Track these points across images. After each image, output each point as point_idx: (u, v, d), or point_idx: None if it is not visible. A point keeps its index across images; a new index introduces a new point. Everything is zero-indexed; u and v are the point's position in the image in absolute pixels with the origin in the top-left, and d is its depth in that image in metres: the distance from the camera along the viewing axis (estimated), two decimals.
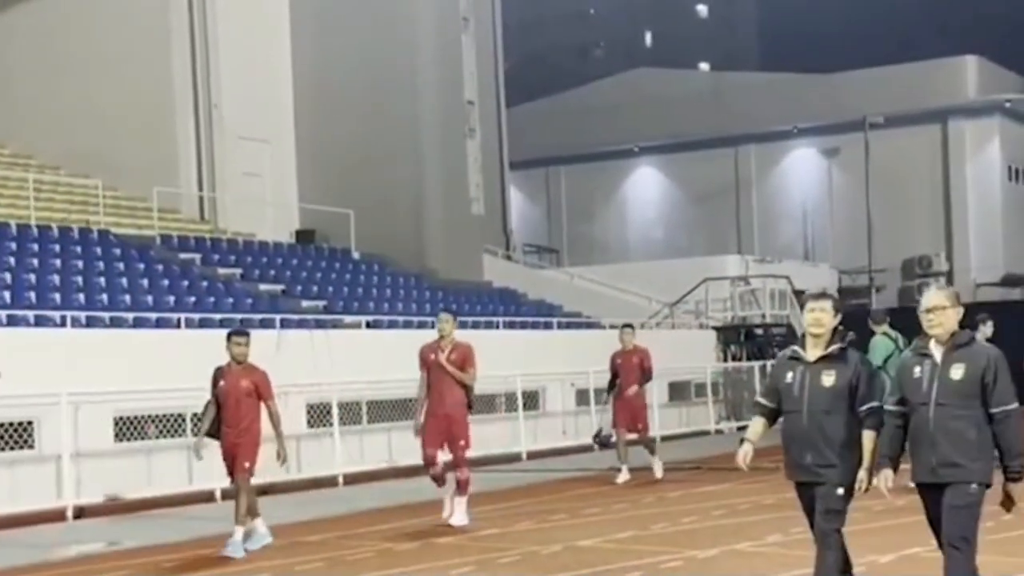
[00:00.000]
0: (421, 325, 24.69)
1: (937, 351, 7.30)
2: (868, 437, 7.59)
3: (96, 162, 28.81)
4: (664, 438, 26.20)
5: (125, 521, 15.88)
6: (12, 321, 18.21)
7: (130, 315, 20.27)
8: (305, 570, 11.54)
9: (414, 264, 32.00)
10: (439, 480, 13.94)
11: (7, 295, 19.59)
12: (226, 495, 12.79)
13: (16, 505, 16.09)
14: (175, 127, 30.75)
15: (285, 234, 31.01)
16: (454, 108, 36.16)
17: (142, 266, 23.66)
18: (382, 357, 21.41)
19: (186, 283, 23.47)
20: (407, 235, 33.50)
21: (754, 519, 13.47)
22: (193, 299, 22.38)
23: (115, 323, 19.78)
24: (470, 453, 14.17)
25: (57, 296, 20.22)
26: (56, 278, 21.17)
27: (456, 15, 36.55)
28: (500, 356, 23.97)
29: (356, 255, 30.09)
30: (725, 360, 32.14)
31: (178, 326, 19.98)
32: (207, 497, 17.83)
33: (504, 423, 23.80)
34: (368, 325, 23.63)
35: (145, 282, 22.71)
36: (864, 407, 7.62)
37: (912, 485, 7.52)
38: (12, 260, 21.44)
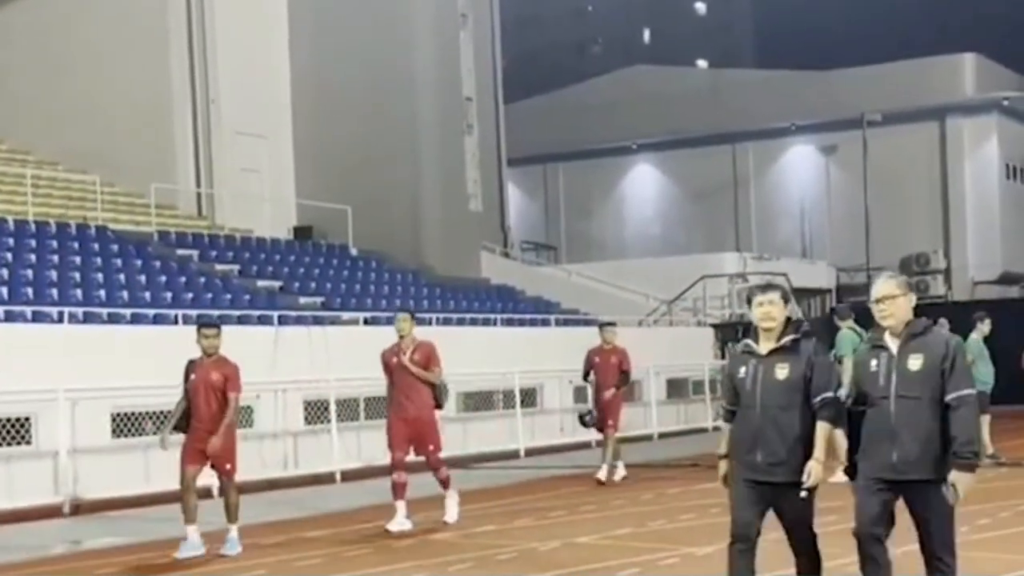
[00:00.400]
0: (418, 322, 24.66)
1: (892, 342, 7.05)
2: (822, 428, 7.24)
3: (94, 158, 28.79)
4: (662, 435, 26.22)
5: (122, 517, 15.86)
6: (9, 317, 18.18)
7: (128, 311, 20.25)
8: (303, 567, 11.53)
9: (412, 261, 32.00)
10: (399, 490, 13.35)
11: (4, 291, 19.57)
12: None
13: (13, 501, 16.07)
14: (173, 123, 30.73)
15: (283, 230, 30.99)
16: (452, 105, 36.14)
17: (140, 262, 23.64)
18: (379, 354, 21.37)
19: (184, 279, 23.45)
20: (405, 232, 33.50)
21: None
22: (191, 295, 22.37)
23: (113, 319, 19.76)
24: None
25: (55, 292, 20.21)
26: (54, 274, 21.15)
27: (454, 12, 36.53)
28: (498, 353, 24.01)
29: (354, 251, 30.08)
30: (723, 357, 32.10)
31: (176, 322, 19.97)
32: (205, 494, 17.81)
33: (502, 420, 23.81)
34: (366, 322, 23.61)
35: (143, 278, 22.70)
36: (818, 398, 7.26)
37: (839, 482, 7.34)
38: (9, 256, 21.42)
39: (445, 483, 13.74)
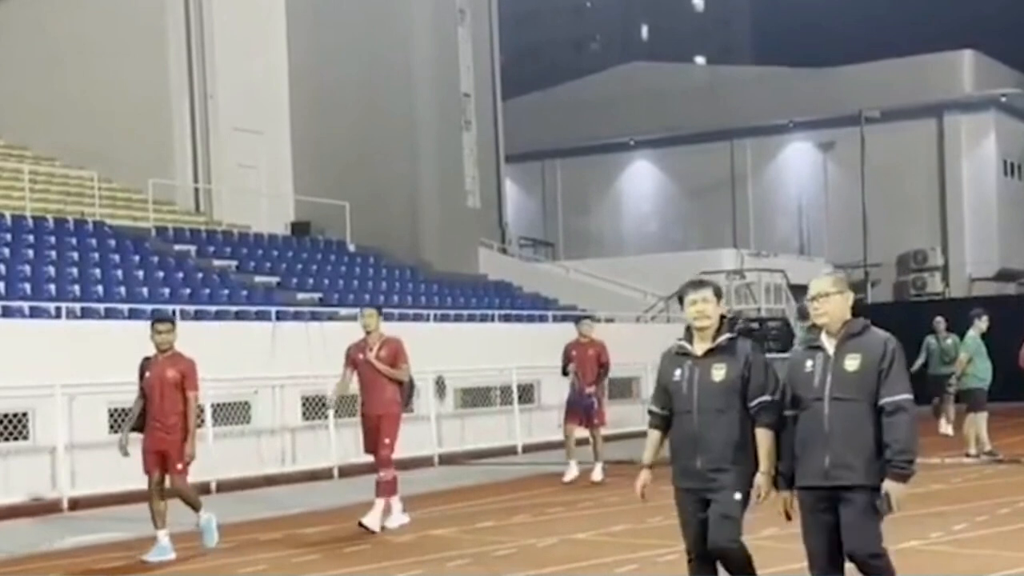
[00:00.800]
0: (416, 318, 24.70)
1: (829, 342, 6.71)
2: (764, 436, 6.86)
3: (91, 154, 28.75)
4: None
5: (119, 512, 15.85)
6: (7, 312, 18.17)
7: (125, 307, 20.24)
8: (301, 563, 11.52)
9: (409, 257, 31.98)
10: (387, 488, 13.15)
11: (2, 287, 19.54)
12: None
13: (10, 496, 16.06)
14: (170, 119, 30.69)
15: (280, 226, 30.96)
16: (450, 101, 36.13)
17: (137, 258, 23.62)
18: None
19: (181, 275, 23.43)
20: (403, 228, 33.49)
21: (749, 514, 13.44)
22: (188, 291, 22.36)
23: (110, 315, 19.74)
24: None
25: (52, 287, 20.18)
26: (51, 269, 21.14)
27: (452, 8, 36.51)
28: (495, 349, 24.00)
29: (351, 247, 30.05)
30: None
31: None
32: (202, 489, 17.80)
33: (499, 416, 23.81)
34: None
35: (140, 274, 22.68)
36: (756, 401, 6.91)
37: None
38: (7, 251, 21.40)
39: (381, 488, 12.99)
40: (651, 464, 7.26)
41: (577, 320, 18.64)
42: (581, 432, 17.84)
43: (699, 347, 7.04)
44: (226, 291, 23.10)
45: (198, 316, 20.65)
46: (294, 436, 19.98)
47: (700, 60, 73.26)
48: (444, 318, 25.45)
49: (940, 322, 23.05)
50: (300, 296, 24.61)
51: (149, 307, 20.43)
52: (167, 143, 30.48)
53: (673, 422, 7.10)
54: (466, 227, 36.02)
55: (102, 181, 27.33)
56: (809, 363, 6.70)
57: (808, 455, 6.63)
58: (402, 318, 24.38)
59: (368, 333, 13.20)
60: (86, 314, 19.31)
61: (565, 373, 18.00)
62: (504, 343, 24.45)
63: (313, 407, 20.35)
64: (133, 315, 19.97)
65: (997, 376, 18.96)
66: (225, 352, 19.01)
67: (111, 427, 17.65)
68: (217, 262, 25.34)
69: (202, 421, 18.24)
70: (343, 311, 23.84)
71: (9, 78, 31.32)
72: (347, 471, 19.52)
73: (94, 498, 16.56)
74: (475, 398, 24.21)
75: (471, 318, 26.21)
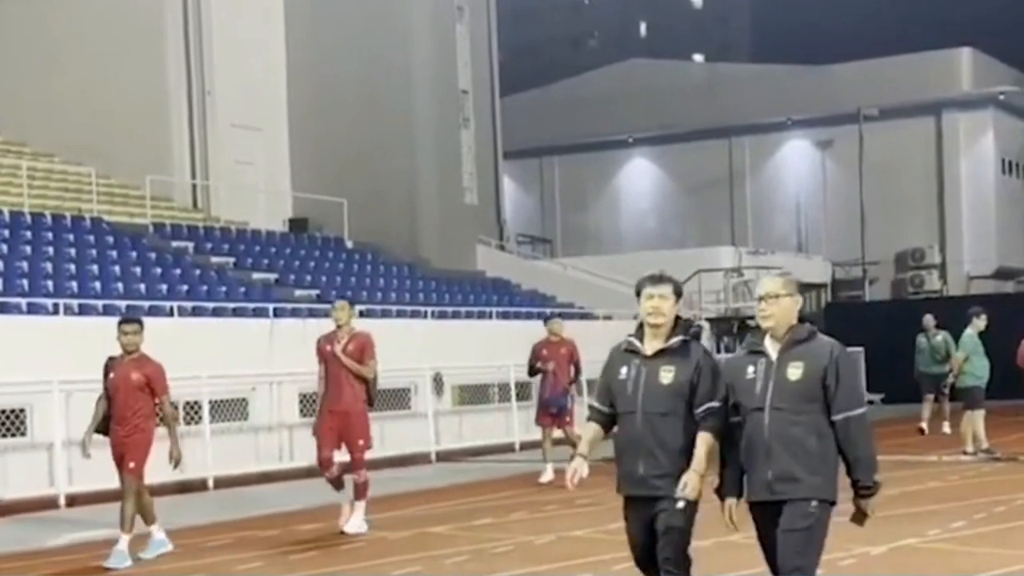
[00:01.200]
0: (414, 314, 24.70)
1: (772, 348, 6.32)
2: (703, 438, 6.49)
3: (90, 150, 28.72)
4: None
5: (116, 509, 15.82)
6: (4, 308, 18.16)
7: (123, 303, 20.22)
8: (297, 560, 11.52)
9: (407, 254, 31.97)
10: (337, 484, 12.85)
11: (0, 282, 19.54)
12: (116, 496, 11.75)
13: (8, 492, 16.05)
14: (169, 115, 30.67)
15: (278, 223, 30.94)
16: (448, 98, 36.11)
17: (135, 254, 23.61)
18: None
19: (179, 271, 23.42)
20: (400, 224, 33.48)
21: (746, 511, 13.44)
22: (186, 287, 22.34)
23: (108, 311, 19.71)
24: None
25: (50, 283, 20.17)
26: (49, 265, 21.12)
27: (450, 4, 36.49)
28: (493, 346, 23.99)
29: (349, 244, 30.05)
30: (718, 351, 32.15)
31: (171, 314, 19.96)
32: (200, 486, 17.82)
33: (497, 414, 23.80)
34: (361, 314, 23.53)
35: (138, 270, 22.67)
36: (702, 408, 6.52)
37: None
38: (5, 247, 21.38)
39: (361, 489, 12.76)
40: (586, 454, 6.80)
41: (546, 319, 18.20)
42: (556, 432, 17.50)
43: (649, 346, 6.62)
44: (224, 288, 23.09)
45: (196, 313, 20.65)
46: (291, 433, 19.97)
47: (698, 58, 73.22)
48: (442, 315, 25.45)
49: (929, 319, 22.91)
50: (298, 293, 24.60)
51: (147, 303, 20.44)
52: (165, 139, 30.45)
53: (618, 424, 6.71)
54: (464, 224, 36.01)
55: (100, 177, 27.31)
56: (751, 369, 6.34)
57: (752, 468, 6.32)
58: (400, 315, 24.40)
59: (339, 326, 12.85)
60: (84, 310, 19.30)
61: (533, 373, 17.63)
62: (502, 340, 24.43)
63: (311, 404, 20.31)
64: (131, 311, 19.95)
65: (994, 374, 18.96)
66: (223, 349, 19.02)
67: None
68: (215, 259, 25.32)
69: (199, 418, 18.30)
70: None
71: (7, 74, 31.29)
72: (345, 468, 19.49)
73: (91, 495, 16.54)
74: (473, 395, 24.20)
75: (469, 315, 26.20)
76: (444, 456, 21.70)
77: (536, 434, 23.61)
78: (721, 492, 6.50)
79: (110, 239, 23.91)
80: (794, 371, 6.21)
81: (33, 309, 18.69)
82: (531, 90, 52.03)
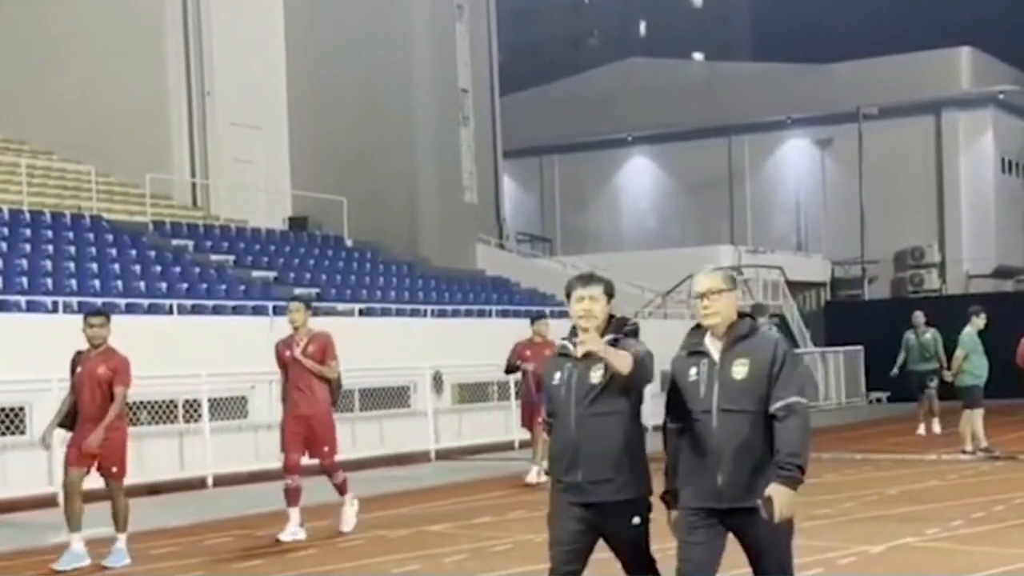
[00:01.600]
0: (413, 313, 24.71)
1: (714, 347, 5.98)
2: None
3: (89, 148, 28.73)
4: (656, 427, 26.20)
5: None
6: (4, 306, 18.16)
7: (122, 301, 20.22)
8: (297, 558, 11.53)
9: (407, 252, 31.98)
10: (293, 495, 12.36)
11: None
12: (89, 496, 11.44)
13: (7, 490, 16.06)
14: (168, 114, 30.67)
15: (278, 221, 30.95)
16: (448, 96, 36.12)
17: (134, 252, 23.61)
18: (374, 345, 21.41)
19: (178, 269, 23.43)
20: (400, 223, 33.49)
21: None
22: (185, 285, 22.35)
23: (107, 309, 19.71)
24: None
25: (49, 281, 20.17)
26: (48, 263, 21.12)
27: (450, 3, 36.51)
28: (493, 345, 23.95)
29: (349, 242, 30.05)
30: None
31: (170, 312, 19.96)
32: (199, 484, 17.83)
33: (496, 412, 23.79)
34: (361, 313, 23.61)
35: (137, 268, 22.67)
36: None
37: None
38: (4, 245, 21.38)
39: (341, 488, 12.65)
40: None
41: (533, 319, 17.93)
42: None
43: (580, 351, 6.20)
44: (223, 286, 23.09)
45: (195, 311, 20.65)
46: None
47: (698, 56, 73.22)
48: (442, 313, 25.45)
49: (918, 316, 22.70)
50: (297, 291, 24.54)
51: (146, 301, 20.45)
52: (165, 138, 30.46)
53: (552, 430, 6.38)
54: (464, 223, 36.02)
55: (100, 175, 27.32)
56: (693, 371, 5.98)
57: (698, 474, 5.94)
58: (399, 313, 24.42)
59: (295, 329, 12.52)
60: (83, 308, 19.26)
61: (510, 371, 17.49)
62: (501, 338, 24.35)
63: None
64: (130, 310, 19.97)
65: (993, 373, 18.95)
66: (222, 347, 19.02)
67: None
68: (214, 257, 25.33)
69: (199, 416, 18.31)
70: (340, 306, 23.85)
71: (7, 72, 31.29)
72: (345, 467, 19.48)
73: (88, 493, 16.52)
74: (472, 393, 24.20)
75: (468, 313, 26.20)
76: (443, 454, 21.71)
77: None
78: (668, 502, 6.13)
79: (110, 237, 23.91)
80: (739, 370, 5.88)
81: (32, 307, 18.69)
82: (531, 89, 52.04)
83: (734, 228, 46.64)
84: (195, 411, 18.42)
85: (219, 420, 18.80)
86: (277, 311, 21.27)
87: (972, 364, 18.60)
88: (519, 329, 25.80)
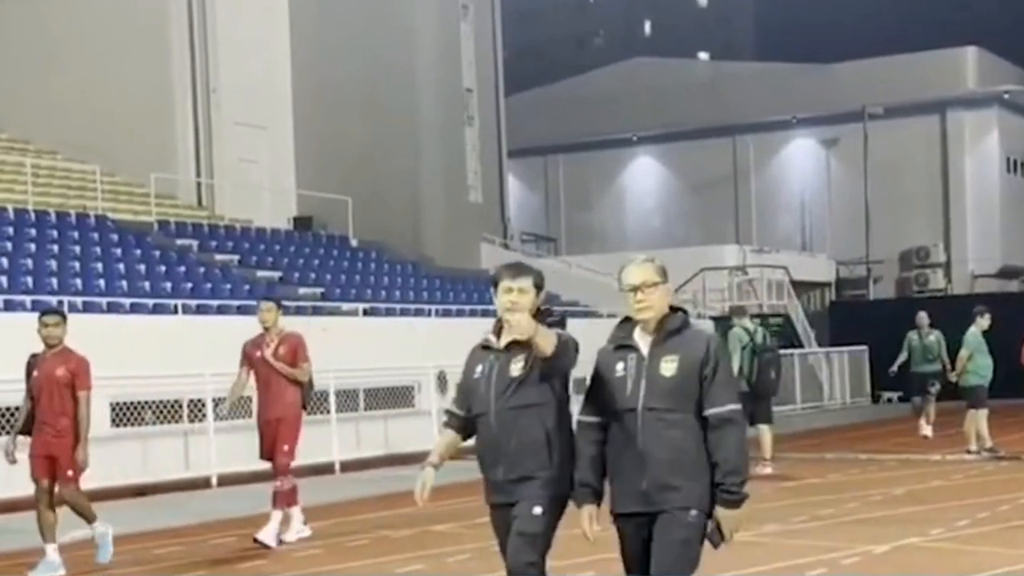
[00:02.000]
0: (418, 312, 24.71)
1: (643, 341, 5.64)
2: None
3: (94, 147, 28.77)
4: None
5: (121, 507, 15.86)
6: (9, 306, 18.18)
7: (127, 301, 20.25)
8: (302, 557, 11.53)
9: (412, 252, 31.99)
10: (285, 497, 12.10)
11: (4, 280, 19.56)
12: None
13: (12, 490, 16.04)
14: (173, 113, 30.70)
15: (283, 221, 30.96)
16: (453, 96, 36.13)
17: (139, 252, 23.63)
18: (379, 345, 21.41)
19: (183, 269, 23.45)
20: (405, 223, 33.51)
21: (751, 508, 13.39)
22: (190, 285, 22.37)
23: (112, 309, 19.76)
24: (297, 462, 12.14)
25: (54, 281, 20.19)
26: (53, 263, 21.14)
27: (455, 3, 36.52)
28: None
29: (354, 242, 30.07)
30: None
31: (175, 312, 19.98)
32: (203, 483, 17.84)
33: None
34: (365, 312, 23.61)
35: (142, 268, 22.69)
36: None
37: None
38: (9, 245, 21.41)
39: (283, 499, 11.99)
40: (437, 464, 6.24)
41: None
42: None
43: (504, 340, 5.96)
44: (228, 285, 23.11)
45: (200, 310, 20.66)
46: None
47: (703, 56, 73.18)
48: (446, 313, 25.44)
49: (922, 317, 22.41)
50: (302, 291, 24.62)
51: (151, 301, 20.47)
52: (169, 137, 30.49)
53: (476, 427, 6.09)
54: (468, 222, 36.03)
55: (104, 175, 27.35)
56: (620, 366, 5.63)
57: (623, 477, 5.61)
58: (404, 313, 24.43)
59: (266, 329, 12.09)
60: (88, 308, 19.32)
61: None
62: None
63: (316, 402, 20.30)
64: (135, 309, 19.99)
65: (998, 373, 18.94)
66: (227, 346, 18.96)
67: (113, 421, 17.68)
68: (219, 256, 25.35)
69: (204, 415, 18.31)
70: (345, 306, 23.86)
71: (12, 72, 31.33)
72: (348, 466, 19.55)
73: (95, 492, 16.54)
74: None
75: (473, 313, 26.18)
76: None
77: None
78: (575, 497, 5.79)
79: (114, 237, 23.93)
80: (668, 366, 5.54)
81: (38, 307, 18.64)
82: (535, 88, 52.02)
83: (739, 228, 46.61)
84: (199, 411, 18.43)
85: (224, 420, 18.78)
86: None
87: (976, 364, 18.59)
88: None
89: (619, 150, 49.37)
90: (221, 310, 21.19)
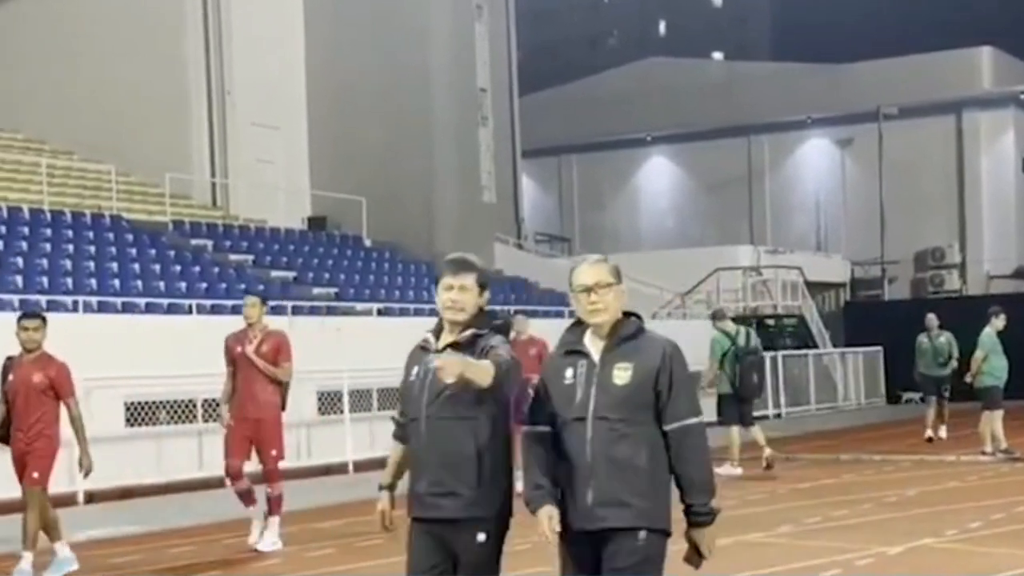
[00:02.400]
0: (432, 313, 24.66)
1: (594, 347, 5.26)
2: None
3: (109, 148, 28.86)
4: None
5: (135, 507, 15.90)
6: (24, 306, 18.22)
7: (142, 301, 20.31)
8: (316, 557, 11.54)
9: (425, 252, 32.01)
10: (246, 497, 11.79)
11: (19, 279, 19.63)
12: (16, 508, 10.95)
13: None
14: (188, 114, 30.80)
15: (297, 221, 31.02)
16: (467, 96, 36.13)
17: (154, 252, 23.69)
18: (393, 344, 21.32)
19: (198, 269, 23.50)
20: (419, 223, 33.52)
21: (765, 509, 13.45)
22: (205, 285, 22.41)
23: (127, 308, 19.81)
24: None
25: (69, 281, 20.25)
26: (68, 263, 21.21)
27: (469, 3, 36.51)
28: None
29: (368, 242, 30.10)
30: None
31: (189, 312, 20.02)
32: (217, 483, 17.84)
33: None
34: (379, 312, 23.63)
35: (157, 268, 22.75)
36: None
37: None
38: (24, 245, 21.48)
39: (274, 505, 11.87)
40: (391, 484, 5.80)
41: (511, 316, 16.96)
42: None
43: (443, 342, 5.52)
44: (242, 285, 23.11)
45: (214, 310, 20.70)
46: (309, 431, 20.00)
47: (717, 56, 73.06)
48: None
49: (932, 319, 22.25)
50: (316, 291, 24.65)
51: (166, 301, 20.52)
52: (185, 137, 30.59)
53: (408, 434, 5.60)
54: (482, 222, 36.02)
55: (119, 175, 27.43)
56: (569, 372, 5.24)
57: (570, 490, 5.19)
58: (417, 313, 24.43)
59: (249, 325, 11.72)
60: (103, 308, 19.38)
61: None
62: None
63: (328, 402, 20.38)
64: (150, 309, 20.04)
65: (1013, 374, 18.90)
66: None
67: (128, 421, 17.72)
68: (233, 256, 25.40)
69: (217, 416, 18.32)
70: (359, 306, 23.88)
71: (28, 73, 31.44)
72: (362, 466, 19.56)
73: (110, 492, 16.61)
74: None
75: None
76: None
77: None
78: (531, 502, 5.25)
79: (129, 237, 24.00)
80: (621, 374, 5.16)
81: (53, 306, 18.74)
82: (550, 89, 52.01)
83: (753, 228, 46.53)
84: (214, 410, 18.44)
85: (228, 426, 18.81)
86: (296, 311, 21.36)
87: (992, 365, 18.54)
88: (537, 329, 25.88)
89: (633, 150, 49.33)
90: (235, 310, 21.12)
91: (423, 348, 5.59)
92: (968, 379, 19.36)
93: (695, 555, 5.25)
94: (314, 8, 33.41)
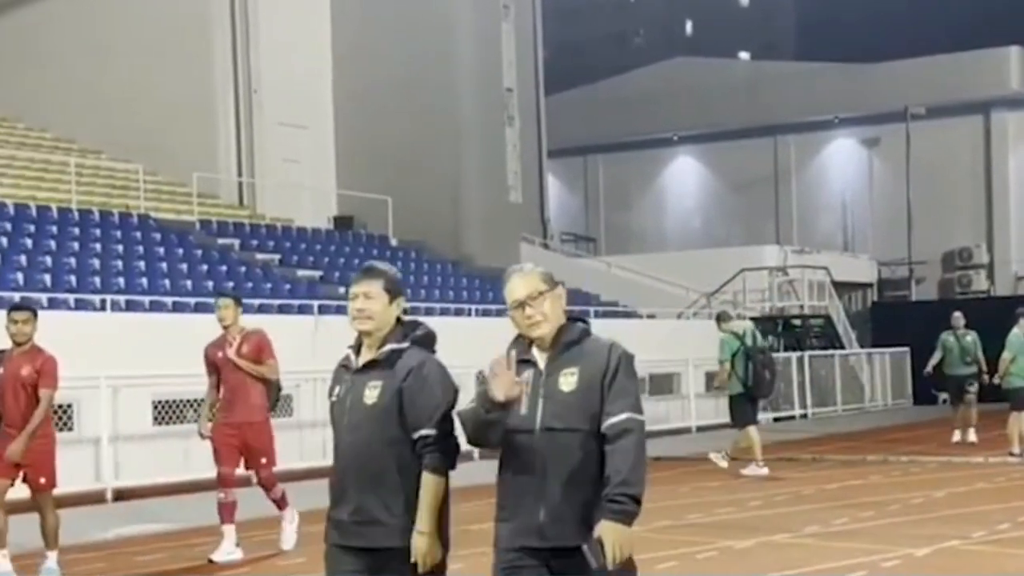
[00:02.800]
0: (458, 312, 24.75)
1: (540, 356, 5.05)
2: (428, 483, 5.08)
3: (137, 147, 29.00)
4: (700, 428, 26.14)
5: (164, 504, 15.97)
6: (52, 304, 18.33)
7: (169, 299, 20.40)
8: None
9: (451, 251, 32.05)
10: (227, 511, 11.52)
11: (48, 278, 19.74)
12: (25, 507, 10.81)
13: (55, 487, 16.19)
14: (215, 113, 30.92)
15: (323, 220, 31.10)
16: (493, 96, 36.15)
17: (181, 251, 23.79)
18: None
19: (224, 268, 23.59)
20: (445, 222, 33.55)
21: (792, 510, 13.42)
22: (231, 284, 22.48)
23: (154, 307, 19.90)
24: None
25: (97, 280, 20.36)
26: (96, 262, 21.32)
27: (496, 2, 36.53)
28: None
29: (394, 242, 30.15)
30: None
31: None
32: (245, 481, 17.89)
33: None
34: (404, 312, 23.63)
35: (184, 267, 22.85)
36: (416, 435, 5.10)
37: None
38: (53, 244, 21.61)
39: (280, 503, 11.74)
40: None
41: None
42: None
43: (362, 358, 5.27)
44: (269, 284, 23.22)
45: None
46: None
47: (744, 56, 72.87)
48: (486, 312, 25.46)
49: (958, 318, 22.10)
50: (342, 290, 24.67)
51: (193, 300, 20.60)
52: (212, 137, 30.71)
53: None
54: (508, 222, 36.04)
55: (147, 174, 27.55)
56: None
57: (517, 508, 4.95)
58: (443, 312, 24.46)
59: (225, 327, 11.47)
60: (131, 306, 19.47)
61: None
62: None
63: None
64: (177, 308, 20.13)
65: None
66: None
67: (155, 419, 17.81)
68: (260, 255, 25.48)
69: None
70: None
71: (56, 72, 31.60)
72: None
73: (138, 489, 16.69)
74: None
75: None
76: (487, 454, 21.67)
77: None
78: (476, 402, 5.12)
79: (157, 236, 24.11)
80: (567, 379, 4.90)
81: (81, 305, 18.87)
82: (576, 88, 51.95)
83: (779, 228, 46.41)
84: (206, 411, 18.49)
85: (205, 438, 18.86)
86: (322, 310, 21.43)
87: (1020, 366, 18.45)
88: None
89: (659, 150, 49.27)
90: (262, 309, 21.29)
91: (344, 367, 5.32)
92: (996, 380, 19.26)
93: (599, 551, 4.70)
94: (341, 8, 33.48)
